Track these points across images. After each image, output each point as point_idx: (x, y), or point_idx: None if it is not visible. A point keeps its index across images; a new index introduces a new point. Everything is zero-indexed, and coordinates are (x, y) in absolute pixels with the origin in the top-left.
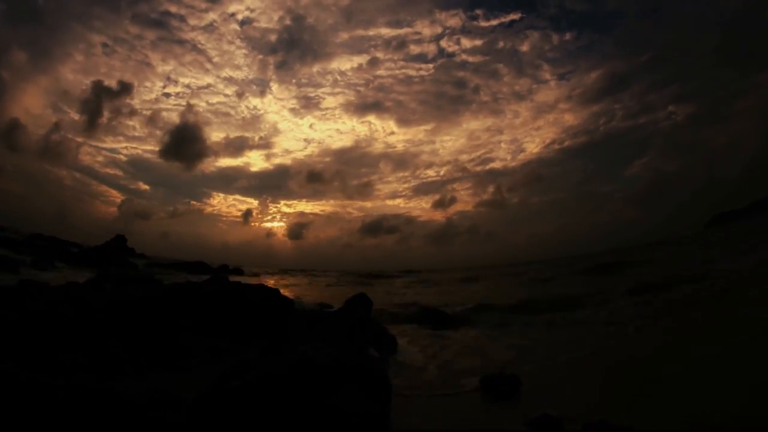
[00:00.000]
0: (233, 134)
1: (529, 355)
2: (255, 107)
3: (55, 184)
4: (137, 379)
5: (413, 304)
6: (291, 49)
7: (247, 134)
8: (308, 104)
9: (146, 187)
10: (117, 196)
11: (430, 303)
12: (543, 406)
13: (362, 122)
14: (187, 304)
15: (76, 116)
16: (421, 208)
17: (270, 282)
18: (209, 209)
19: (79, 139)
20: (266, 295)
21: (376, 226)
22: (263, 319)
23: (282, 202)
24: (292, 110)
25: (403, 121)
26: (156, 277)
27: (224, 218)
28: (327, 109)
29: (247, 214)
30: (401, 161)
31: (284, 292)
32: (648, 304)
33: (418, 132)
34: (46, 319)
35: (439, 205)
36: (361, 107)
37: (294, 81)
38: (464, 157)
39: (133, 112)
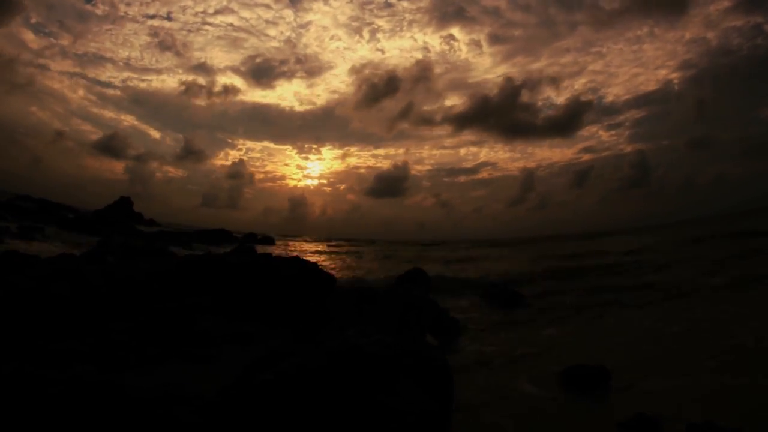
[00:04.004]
0: (266, 61)
1: (620, 342)
2: (298, 21)
3: (38, 130)
4: (145, 372)
5: (481, 280)
6: None
7: (284, 59)
8: (369, 13)
9: (156, 134)
10: (120, 147)
11: (501, 277)
12: (636, 404)
13: (441, 37)
14: (207, 281)
15: (64, 37)
16: (504, 158)
17: (306, 254)
18: (232, 161)
19: (63, 65)
20: (302, 270)
21: (446, 182)
22: (299, 299)
23: (326, 149)
24: (347, 23)
25: (496, 37)
26: (168, 248)
27: (251, 172)
28: (393, 17)
29: (280, 165)
30: (484, 91)
31: (323, 266)
32: None
33: (514, 50)
34: (35, 298)
35: (527, 155)
36: (442, 16)
37: None
38: (568, 85)
39: (135, 31)
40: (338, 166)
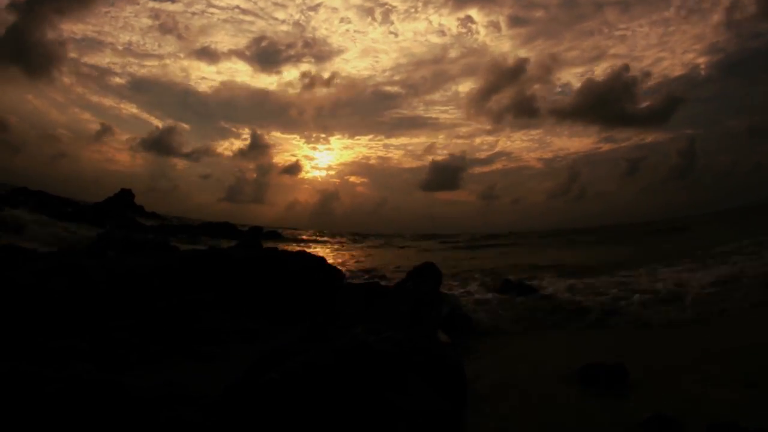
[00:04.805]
0: (272, 44)
1: (642, 340)
2: (307, 3)
3: (33, 119)
4: (148, 370)
5: (494, 275)
6: None
7: (291, 43)
8: None
9: (158, 122)
10: (120, 135)
11: (516, 275)
12: (656, 403)
13: (458, 19)
14: (211, 276)
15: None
16: (520, 147)
17: (314, 248)
18: (235, 151)
19: (59, 49)
20: (309, 265)
21: (461, 174)
22: (306, 295)
23: (335, 138)
24: (358, 4)
25: (516, 19)
26: (171, 242)
27: (256, 163)
28: None
29: (287, 155)
30: (502, 77)
31: (331, 260)
32: None
33: (535, 33)
34: (33, 294)
35: (545, 144)
36: None
37: None
38: (590, 69)
39: (136, 13)
40: (348, 156)
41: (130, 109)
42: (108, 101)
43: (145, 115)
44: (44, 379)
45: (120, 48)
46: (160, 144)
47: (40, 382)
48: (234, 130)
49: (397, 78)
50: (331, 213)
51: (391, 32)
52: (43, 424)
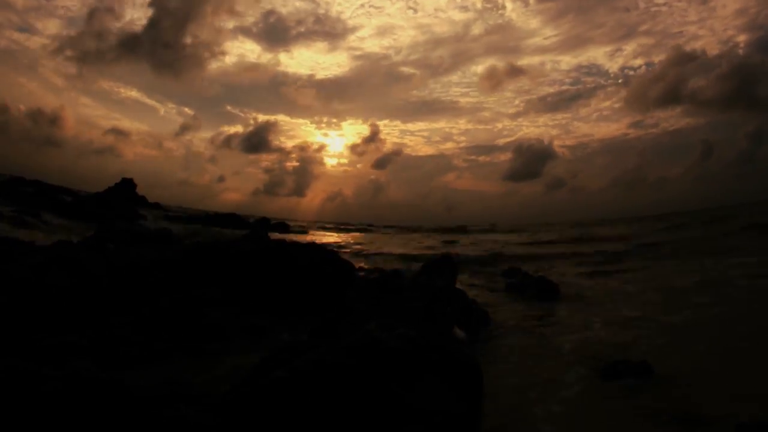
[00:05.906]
0: (281, 21)
1: (666, 336)
2: None
3: (29, 106)
4: (150, 368)
5: (513, 269)
6: None
7: (301, 20)
8: None
9: (159, 106)
10: (117, 120)
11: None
12: (680, 401)
13: None
14: (216, 270)
15: None
16: (544, 133)
17: (324, 240)
18: (238, 139)
19: (52, 28)
20: (320, 258)
21: (480, 161)
22: (316, 289)
23: (347, 123)
24: None
25: None
26: (174, 234)
27: (259, 152)
28: None
29: (297, 142)
30: (531, 55)
31: (342, 253)
32: None
33: (564, 8)
34: (30, 288)
35: (569, 131)
36: None
37: None
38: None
39: None
40: (361, 142)
41: (127, 92)
42: (105, 84)
43: (145, 99)
44: (42, 377)
45: None
46: (159, 130)
47: (38, 380)
48: (241, 115)
49: (420, 56)
50: (336, 204)
51: (410, 8)
52: (40, 425)
